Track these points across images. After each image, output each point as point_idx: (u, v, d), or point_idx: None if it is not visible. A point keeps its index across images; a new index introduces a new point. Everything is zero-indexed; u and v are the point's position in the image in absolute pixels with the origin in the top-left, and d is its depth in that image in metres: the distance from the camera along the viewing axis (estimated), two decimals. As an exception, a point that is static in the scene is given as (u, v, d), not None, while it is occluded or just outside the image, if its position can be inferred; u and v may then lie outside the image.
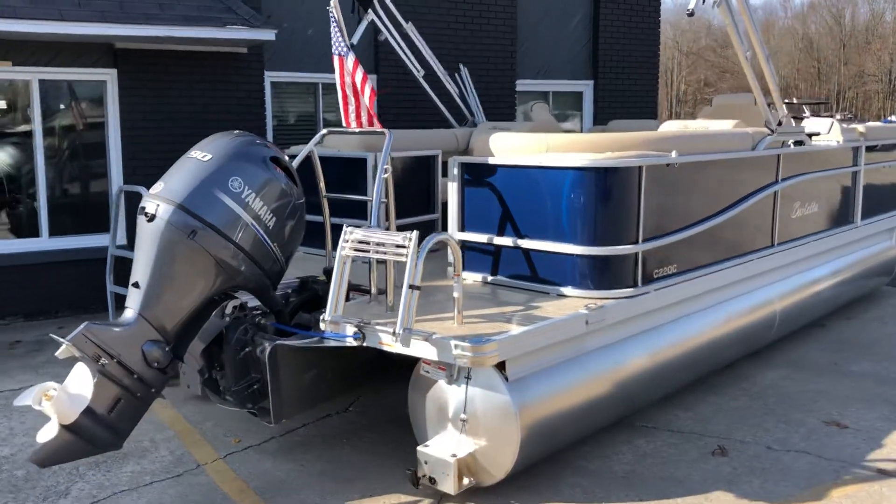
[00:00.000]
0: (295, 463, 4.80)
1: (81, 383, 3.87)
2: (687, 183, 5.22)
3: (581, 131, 11.52)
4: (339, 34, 5.04)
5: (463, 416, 4.20)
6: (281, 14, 9.66)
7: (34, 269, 8.19)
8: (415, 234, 3.93)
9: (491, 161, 5.08)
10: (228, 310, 4.49)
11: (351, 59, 5.02)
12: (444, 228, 6.21)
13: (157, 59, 8.63)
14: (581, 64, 12.23)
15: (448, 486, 4.14)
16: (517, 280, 5.05)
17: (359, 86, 4.97)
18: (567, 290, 4.84)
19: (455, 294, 4.19)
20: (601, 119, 12.03)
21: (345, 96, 5.08)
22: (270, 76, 9.61)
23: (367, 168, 5.84)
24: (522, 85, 11.62)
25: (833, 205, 7.28)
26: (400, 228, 6.02)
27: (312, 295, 5.04)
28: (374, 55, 10.03)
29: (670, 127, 6.69)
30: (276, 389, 4.35)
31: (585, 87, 12.29)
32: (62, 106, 8.47)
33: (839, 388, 6.01)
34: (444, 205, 6.43)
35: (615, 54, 12.36)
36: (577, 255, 4.79)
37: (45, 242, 8.32)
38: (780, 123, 6.16)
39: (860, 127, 7.85)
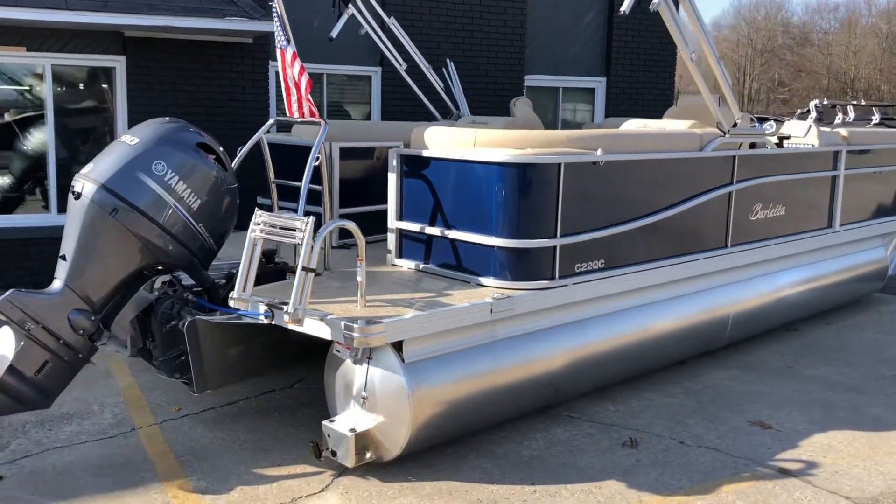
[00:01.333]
0: (223, 432, 5.11)
1: (6, 345, 4.23)
2: (616, 181, 5.33)
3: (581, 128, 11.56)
4: (280, 28, 5.30)
5: (364, 393, 4.43)
6: (287, 5, 9.97)
7: (41, 242, 8.72)
8: (311, 219, 4.17)
9: (425, 153, 5.28)
10: (157, 284, 4.82)
11: (290, 52, 5.27)
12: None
13: (165, 47, 9.05)
14: (594, 60, 12.27)
15: (347, 459, 4.39)
16: (444, 269, 5.25)
17: (296, 77, 5.23)
18: (486, 280, 5.02)
19: (358, 278, 4.43)
20: (613, 116, 12.07)
21: (287, 87, 5.35)
22: (275, 66, 9.94)
23: (323, 156, 6.09)
24: (533, 80, 11.73)
25: (806, 208, 7.24)
26: (359, 215, 6.30)
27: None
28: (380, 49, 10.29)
29: (630, 126, 6.77)
30: (196, 361, 4.66)
31: (598, 84, 12.32)
32: (74, 90, 8.97)
33: (782, 390, 6.04)
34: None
35: (629, 51, 12.35)
36: (496, 247, 4.96)
37: (54, 218, 8.84)
38: (734, 125, 6.19)
39: (843, 131, 7.77)
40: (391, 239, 5.56)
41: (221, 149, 4.86)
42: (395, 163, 5.46)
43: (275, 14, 5.27)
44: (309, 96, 5.20)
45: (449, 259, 5.23)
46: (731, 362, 6.68)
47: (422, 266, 5.40)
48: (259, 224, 4.36)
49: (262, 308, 4.48)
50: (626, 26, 12.21)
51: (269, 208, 5.76)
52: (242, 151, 5.52)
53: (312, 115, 5.34)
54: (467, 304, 4.57)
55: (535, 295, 4.92)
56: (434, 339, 4.48)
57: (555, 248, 5.01)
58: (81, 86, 9.03)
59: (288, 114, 5.42)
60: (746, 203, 6.47)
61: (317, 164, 4.98)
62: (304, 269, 4.11)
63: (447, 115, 8.56)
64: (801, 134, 7.44)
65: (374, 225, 6.16)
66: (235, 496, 4.29)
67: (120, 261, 4.46)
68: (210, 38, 9.12)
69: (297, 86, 5.28)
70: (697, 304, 6.22)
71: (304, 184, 4.92)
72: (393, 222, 5.53)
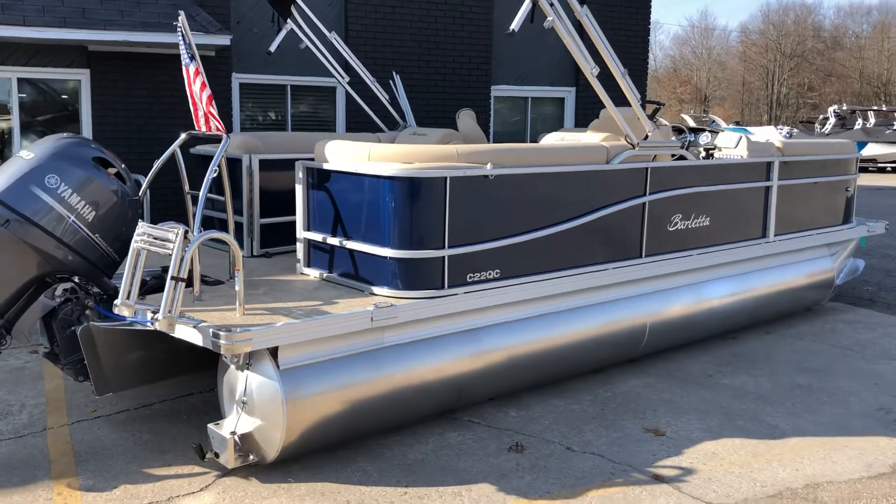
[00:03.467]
0: (128, 433, 5.34)
1: None
2: (511, 194, 5.49)
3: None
4: (184, 45, 5.52)
5: (243, 398, 4.64)
6: (252, 18, 10.27)
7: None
8: (181, 229, 4.39)
9: (325, 166, 5.48)
10: (59, 291, 5.07)
11: (192, 69, 5.50)
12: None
13: (128, 60, 9.36)
14: (563, 70, 12.41)
15: (227, 460, 4.60)
16: (343, 278, 5.45)
17: (198, 93, 5.46)
18: (378, 290, 5.20)
19: (236, 287, 4.63)
20: (583, 126, 12.19)
21: (193, 102, 5.57)
22: (239, 78, 10.23)
23: (242, 168, 6.33)
24: (501, 90, 11.90)
25: (734, 219, 7.33)
26: (274, 226, 6.51)
27: (161, 283, 5.55)
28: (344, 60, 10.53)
29: (549, 139, 6.93)
30: (93, 365, 4.89)
31: (567, 94, 12.46)
32: (40, 103, 9.31)
33: (691, 399, 6.14)
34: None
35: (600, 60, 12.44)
36: (388, 257, 5.15)
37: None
38: (646, 137, 6.32)
39: (777, 143, 7.85)
40: (300, 248, 5.77)
41: (123, 165, 5.10)
42: (301, 174, 5.67)
43: (179, 31, 5.50)
44: (211, 109, 5.42)
45: (348, 269, 5.42)
46: (652, 370, 6.79)
47: (325, 275, 5.59)
48: (142, 235, 4.59)
49: (150, 315, 4.70)
50: (596, 36, 12.32)
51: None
52: (157, 163, 5.76)
53: (216, 129, 5.56)
54: (345, 311, 4.76)
55: (421, 304, 5.09)
56: (313, 346, 4.67)
57: (443, 258, 5.18)
58: (48, 99, 9.36)
59: (196, 128, 5.65)
60: (663, 214, 6.59)
61: (215, 175, 5.19)
62: (172, 278, 4.32)
63: (396, 126, 8.76)
64: (732, 145, 7.53)
65: (291, 234, 6.38)
66: (117, 493, 4.51)
67: (16, 270, 4.71)
68: (172, 51, 9.42)
69: (201, 100, 5.51)
70: (610, 313, 6.34)
71: (202, 195, 5.14)
72: (301, 232, 5.73)
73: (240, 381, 4.68)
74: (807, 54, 74.77)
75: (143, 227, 4.57)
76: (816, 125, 39.26)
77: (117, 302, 4.60)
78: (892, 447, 5.30)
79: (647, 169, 6.36)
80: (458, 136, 7.64)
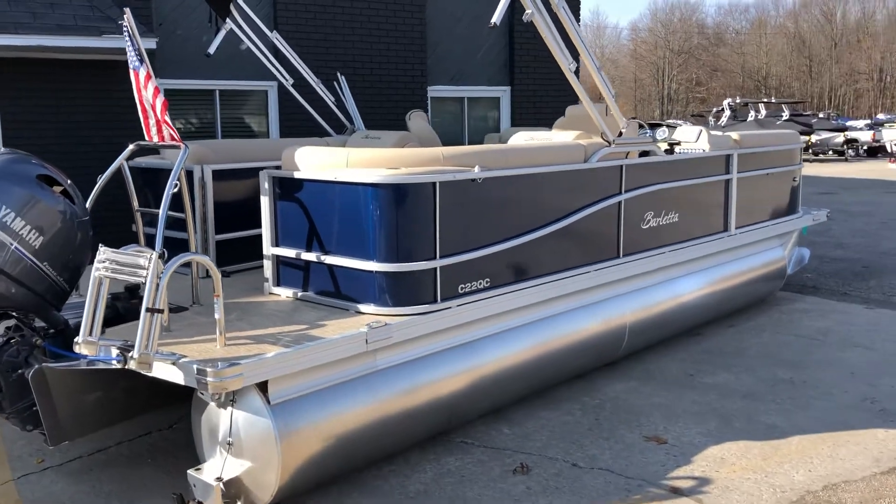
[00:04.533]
0: (87, 484, 4.73)
1: None
2: (497, 197, 5.16)
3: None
4: (132, 47, 4.97)
5: (229, 439, 4.13)
6: (175, 19, 9.58)
7: None
8: (154, 254, 3.86)
9: (297, 175, 5.01)
10: (1, 330, 4.42)
11: (143, 73, 4.95)
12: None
13: (39, 67, 8.55)
14: (497, 70, 12.18)
15: (213, 509, 4.08)
16: (322, 296, 4.99)
17: (150, 100, 4.90)
18: (365, 307, 4.78)
19: (216, 315, 4.12)
20: (519, 124, 11.99)
21: (143, 110, 5.01)
22: (163, 84, 9.52)
23: (194, 179, 5.77)
24: (437, 91, 11.57)
25: (700, 214, 7.22)
26: (231, 241, 5.98)
27: (112, 311, 4.96)
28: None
29: (517, 139, 6.64)
30: (47, 412, 4.28)
31: (502, 94, 12.24)
32: (-61, 116, 8.39)
33: (680, 401, 5.96)
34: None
35: (532, 59, 12.30)
36: (374, 272, 4.73)
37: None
38: (620, 134, 6.10)
39: (734, 135, 7.80)
40: (268, 266, 5.28)
41: (69, 181, 4.50)
42: (266, 185, 5.17)
43: (125, 31, 4.93)
44: (166, 118, 4.87)
45: (327, 286, 4.97)
46: (632, 373, 6.59)
47: (300, 294, 5.12)
48: (104, 262, 4.02)
49: (114, 352, 4.14)
50: (527, 34, 12.16)
51: (136, 238, 5.42)
52: (102, 179, 5.17)
53: (172, 138, 5.01)
54: (338, 335, 4.32)
55: (416, 320, 4.70)
56: (304, 376, 4.22)
57: (435, 269, 4.80)
58: (-53, 111, 8.46)
59: (147, 138, 5.08)
60: (637, 212, 6.39)
61: (175, 190, 4.66)
62: (148, 310, 3.78)
63: (342, 129, 8.30)
64: (693, 139, 7.43)
65: (254, 250, 5.87)
66: (89, 560, 3.94)
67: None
68: (90, 56, 8.66)
69: (154, 108, 4.95)
70: (593, 316, 6.10)
71: (162, 213, 4.59)
72: (268, 248, 5.24)
73: (223, 420, 4.17)
74: (693, 51, 77.63)
75: (105, 252, 4.00)
76: (710, 118, 40.68)
77: (79, 339, 4.02)
78: (892, 438, 5.23)
79: (622, 167, 6.14)
80: (413, 139, 7.26)
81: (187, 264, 4.63)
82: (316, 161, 4.97)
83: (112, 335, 4.32)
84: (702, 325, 7.80)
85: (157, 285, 3.82)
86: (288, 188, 5.10)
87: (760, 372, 6.58)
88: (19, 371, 4.37)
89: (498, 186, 5.14)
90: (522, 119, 12.17)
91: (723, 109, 38.05)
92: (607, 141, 6.00)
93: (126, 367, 4.12)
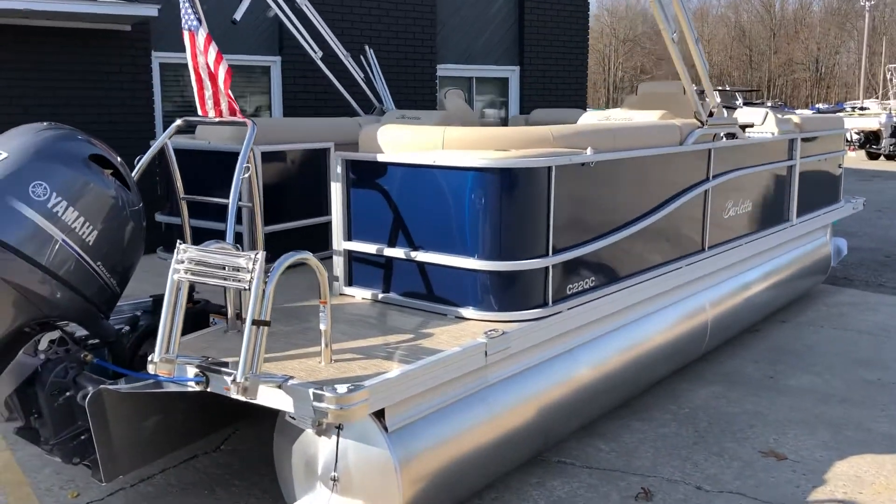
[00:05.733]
0: (140, 524, 3.98)
1: None
2: (605, 184, 4.54)
3: (506, 122, 10.82)
4: (188, 5, 4.20)
5: (334, 473, 3.43)
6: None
7: None
8: (261, 254, 3.13)
9: (380, 158, 4.30)
10: (43, 344, 3.63)
11: (202, 35, 4.18)
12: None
13: (30, 37, 7.58)
14: (506, 49, 11.52)
15: (317, 558, 3.39)
16: (411, 299, 4.30)
17: (212, 67, 4.13)
18: (466, 312, 4.11)
19: (322, 326, 3.41)
20: (528, 108, 11.35)
21: (199, 79, 4.24)
22: (159, 57, 8.63)
23: (253, 165, 5.00)
24: (444, 70, 10.86)
25: (768, 203, 6.72)
26: (285, 232, 5.25)
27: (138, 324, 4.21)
28: (279, 35, 9.15)
29: (589, 119, 6.01)
30: (103, 443, 3.51)
31: (511, 74, 11.59)
32: None
33: (777, 408, 5.44)
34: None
35: (542, 39, 11.67)
36: (478, 271, 4.06)
37: None
38: (711, 114, 5.53)
39: (795, 117, 7.31)
40: (338, 263, 4.56)
41: (119, 159, 3.72)
42: (339, 170, 4.45)
43: (182, -14, 4.14)
44: (229, 91, 4.11)
45: (416, 287, 4.28)
46: (707, 376, 6.05)
47: (381, 296, 4.42)
48: (183, 262, 3.27)
49: (192, 371, 3.40)
50: (538, 11, 11.53)
51: (178, 233, 4.65)
52: (142, 161, 4.37)
53: (234, 112, 4.25)
54: (458, 348, 3.64)
55: (530, 328, 4.05)
56: (420, 396, 3.53)
57: (547, 269, 4.15)
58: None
59: (200, 112, 4.31)
60: (720, 201, 5.84)
61: (247, 175, 3.92)
62: (255, 322, 3.05)
63: (369, 109, 7.55)
64: (759, 121, 6.91)
65: (303, 244, 5.15)
66: None
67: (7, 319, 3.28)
68: (80, 24, 7.74)
69: (213, 78, 4.18)
70: (679, 314, 5.54)
71: (233, 202, 3.85)
72: (340, 242, 4.53)
73: (324, 451, 3.47)
74: (639, 39, 78.12)
75: (188, 250, 3.25)
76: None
77: (154, 358, 3.26)
78: None
79: (710, 150, 5.57)
80: (456, 120, 6.58)
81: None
82: (404, 142, 4.27)
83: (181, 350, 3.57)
84: (757, 322, 7.32)
85: (264, 292, 3.08)
86: (367, 173, 4.38)
87: (843, 373, 6.11)
88: (67, 394, 3.59)
89: (607, 171, 4.51)
90: (532, 101, 11.55)
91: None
92: (700, 121, 5.41)
93: (206, 388, 3.39)
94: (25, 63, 7.60)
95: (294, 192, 5.21)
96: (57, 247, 3.36)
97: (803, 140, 7.19)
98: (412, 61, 10.37)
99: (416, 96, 10.24)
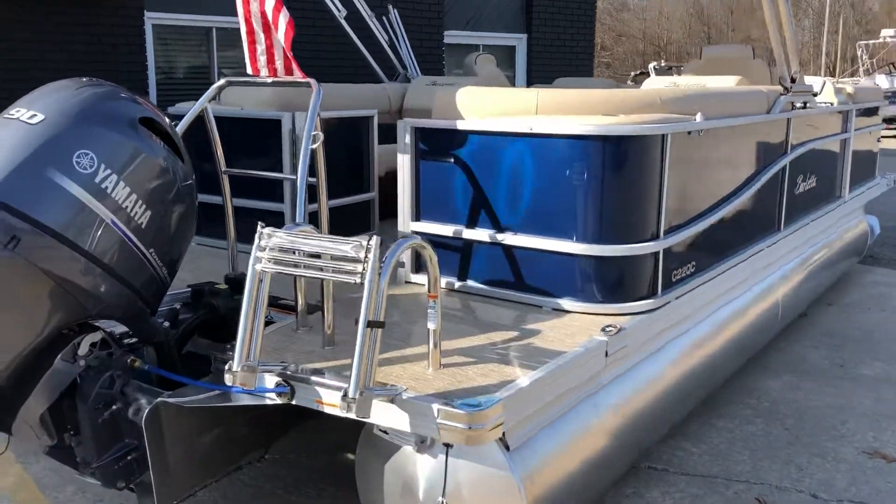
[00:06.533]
0: (193, 554, 3.40)
1: None
2: (707, 156, 4.02)
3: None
4: (242, -59, 3.55)
5: (442, 499, 2.88)
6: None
7: None
8: (374, 240, 2.55)
9: (461, 126, 3.72)
10: (83, 349, 3.01)
11: (260, -23, 3.53)
12: (385, 213, 4.86)
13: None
14: (514, 15, 10.92)
15: None
16: (496, 288, 3.75)
17: (270, 16, 3.49)
18: (567, 303, 3.57)
19: (430, 325, 2.84)
20: (536, 76, 10.80)
21: (250, 31, 3.58)
22: (152, 18, 7.88)
23: (283, 133, 4.39)
24: (450, 37, 10.24)
25: (826, 178, 6.29)
26: (332, 212, 4.65)
27: (209, 313, 3.60)
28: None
29: (655, 85, 5.47)
30: (159, 463, 2.92)
31: (518, 42, 11.01)
32: None
33: (861, 400, 5.02)
34: (383, 180, 5.06)
35: (550, 4, 11.10)
36: (581, 256, 3.52)
37: None
38: (793, 80, 5.04)
39: (848, 87, 6.88)
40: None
41: (169, 121, 3.10)
42: (407, 140, 3.86)
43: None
44: (290, 46, 3.48)
45: (502, 274, 3.72)
46: (772, 364, 5.61)
47: (457, 284, 3.86)
48: (266, 249, 2.67)
49: (272, 380, 2.81)
50: (546, -24, 10.96)
51: (217, 213, 4.02)
52: (179, 128, 3.72)
53: (290, 72, 3.62)
54: (580, 348, 3.10)
55: (644, 321, 3.53)
56: (543, 408, 3.00)
57: (658, 253, 3.63)
58: None
59: (251, 70, 3.66)
60: (794, 175, 5.38)
61: (315, 145, 3.31)
62: (370, 324, 2.47)
63: (390, 76, 6.93)
64: (818, 90, 6.45)
65: (342, 225, 4.59)
66: None
67: (20, 323, 2.66)
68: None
69: (267, 29, 3.53)
70: (754, 297, 5.07)
71: (301, 176, 3.25)
72: (407, 223, 3.95)
73: (427, 472, 2.91)
74: (599, 15, 77.98)
75: (276, 235, 2.64)
76: (629, 81, 40.74)
77: (234, 367, 2.67)
78: None
79: (789, 120, 5.09)
80: (487, 86, 6.00)
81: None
82: (489, 107, 3.69)
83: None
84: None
85: (378, 289, 2.50)
86: (443, 143, 3.80)
87: (913, 360, 5.73)
88: (114, 407, 2.98)
89: (712, 141, 4.00)
90: (540, 70, 10.99)
91: (643, 73, 38.13)
92: (786, 88, 4.92)
93: (292, 401, 2.82)
94: (15, 21, 6.82)
95: (334, 167, 4.61)
96: (103, 229, 2.74)
97: (858, 112, 6.77)
98: (418, 27, 9.72)
99: (425, 63, 9.60)
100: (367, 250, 2.50)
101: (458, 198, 3.81)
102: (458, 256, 3.87)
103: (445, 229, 3.85)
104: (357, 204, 4.94)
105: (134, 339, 3.23)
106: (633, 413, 3.61)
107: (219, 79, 8.21)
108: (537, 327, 3.36)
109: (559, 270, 3.59)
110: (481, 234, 3.74)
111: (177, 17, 8.02)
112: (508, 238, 3.66)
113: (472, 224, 3.79)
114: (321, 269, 2.60)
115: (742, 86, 5.04)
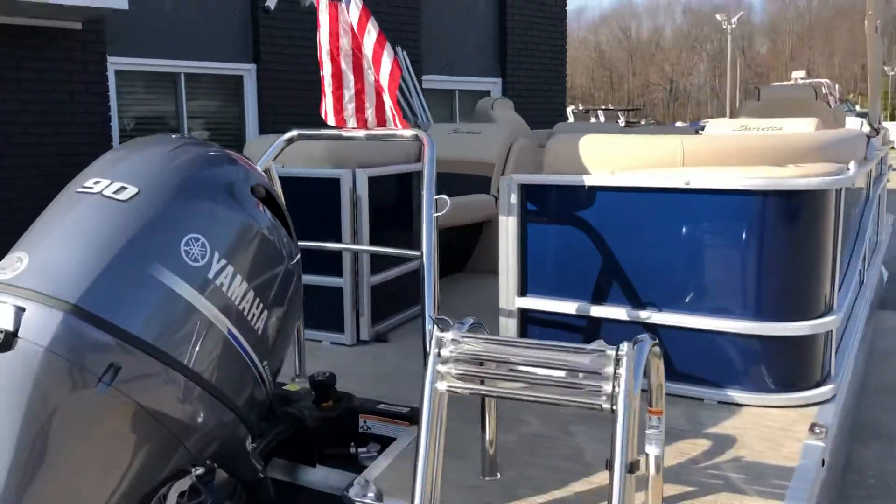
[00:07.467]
0: None
1: None
2: (850, 211, 3.51)
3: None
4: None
5: None
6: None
7: None
8: (626, 346, 1.86)
9: (588, 182, 3.08)
10: (171, 501, 2.19)
11: (357, 9, 2.84)
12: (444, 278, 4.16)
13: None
14: (488, 59, 10.47)
15: None
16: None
17: (369, 55, 2.80)
18: (735, 394, 2.94)
19: (651, 450, 2.15)
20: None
21: (336, 73, 2.88)
22: (115, 63, 7.01)
23: (343, 194, 3.65)
24: (427, 81, 9.67)
25: (874, 222, 5.95)
26: (390, 282, 3.95)
27: (292, 425, 2.82)
28: (254, 40, 7.71)
29: (718, 127, 4.99)
30: None
31: (493, 86, 10.54)
32: None
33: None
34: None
35: (523, 48, 10.71)
36: (755, 337, 2.91)
37: None
38: (880, 122, 4.64)
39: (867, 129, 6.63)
40: (507, 326, 3.30)
41: (276, 188, 2.36)
42: (513, 199, 3.20)
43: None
44: (396, 93, 2.79)
45: (642, 359, 3.06)
46: (853, 430, 5.13)
47: (581, 372, 3.18)
48: (449, 358, 1.94)
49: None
50: (518, 17, 10.56)
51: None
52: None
53: (382, 122, 2.91)
54: (809, 461, 2.46)
55: (827, 410, 2.93)
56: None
57: (831, 331, 3.05)
58: None
59: (334, 121, 2.94)
60: (855, 226, 4.98)
61: (441, 213, 2.62)
62: (631, 468, 1.77)
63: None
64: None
65: (398, 296, 3.90)
66: None
67: (113, 477, 1.84)
68: (22, 20, 6.07)
69: (359, 69, 2.83)
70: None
71: (428, 254, 2.54)
72: (511, 299, 3.26)
73: None
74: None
75: (462, 340, 1.92)
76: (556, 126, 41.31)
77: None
78: None
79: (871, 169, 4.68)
80: (522, 132, 5.45)
81: None
82: (623, 159, 3.07)
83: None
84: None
85: (639, 417, 1.80)
86: (560, 203, 3.16)
87: None
88: (215, 583, 2.16)
89: (853, 194, 3.48)
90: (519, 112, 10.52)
91: (567, 117, 38.63)
92: (876, 130, 4.50)
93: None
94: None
95: (395, 231, 3.91)
96: (213, 338, 1.96)
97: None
98: (396, 71, 9.12)
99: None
100: (617, 362, 1.81)
101: (579, 267, 3.16)
102: (579, 338, 3.20)
103: (564, 306, 3.19)
104: (411, 273, 4.23)
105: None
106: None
107: (188, 131, 7.37)
108: (721, 430, 2.72)
109: (720, 354, 2.97)
110: (615, 312, 3.09)
111: (142, 62, 7.17)
112: (654, 316, 3.02)
113: (599, 300, 3.13)
114: (552, 386, 1.88)
115: (819, 129, 4.60)
